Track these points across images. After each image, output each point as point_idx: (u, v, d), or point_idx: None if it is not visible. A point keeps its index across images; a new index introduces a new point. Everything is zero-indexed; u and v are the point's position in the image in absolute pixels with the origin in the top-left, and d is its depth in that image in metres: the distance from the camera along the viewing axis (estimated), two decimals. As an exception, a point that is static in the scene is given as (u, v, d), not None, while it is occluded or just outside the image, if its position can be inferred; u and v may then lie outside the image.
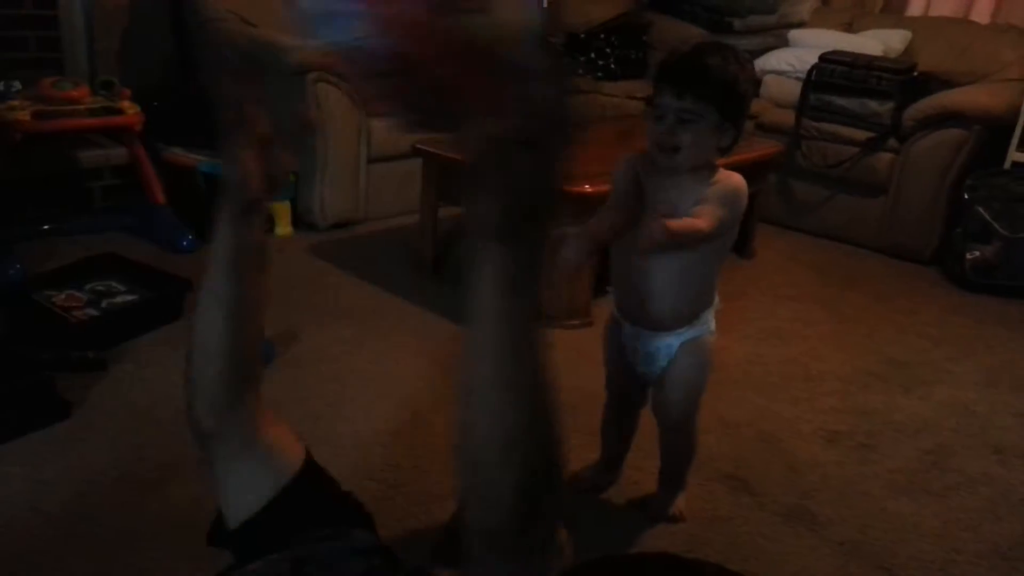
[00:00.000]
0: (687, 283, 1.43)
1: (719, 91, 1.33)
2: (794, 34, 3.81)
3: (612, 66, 4.18)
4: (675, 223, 1.32)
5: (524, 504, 0.71)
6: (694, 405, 1.53)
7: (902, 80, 3.19)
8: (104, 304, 2.21)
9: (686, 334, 1.46)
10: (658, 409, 1.55)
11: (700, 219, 1.35)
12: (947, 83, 3.33)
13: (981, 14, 3.88)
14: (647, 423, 1.78)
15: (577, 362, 2.15)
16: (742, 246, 3.13)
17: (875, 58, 3.33)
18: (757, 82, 1.35)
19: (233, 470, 1.02)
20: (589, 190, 2.27)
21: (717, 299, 1.50)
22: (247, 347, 1.03)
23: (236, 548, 1.02)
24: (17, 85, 2.58)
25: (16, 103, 2.47)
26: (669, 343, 1.46)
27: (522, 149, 0.58)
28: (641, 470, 1.71)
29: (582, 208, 2.26)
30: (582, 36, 4.21)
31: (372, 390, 1.97)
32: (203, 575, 1.32)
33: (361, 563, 0.96)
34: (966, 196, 3.01)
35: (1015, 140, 3.09)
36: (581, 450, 1.77)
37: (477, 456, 0.73)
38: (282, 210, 2.96)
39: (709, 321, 1.49)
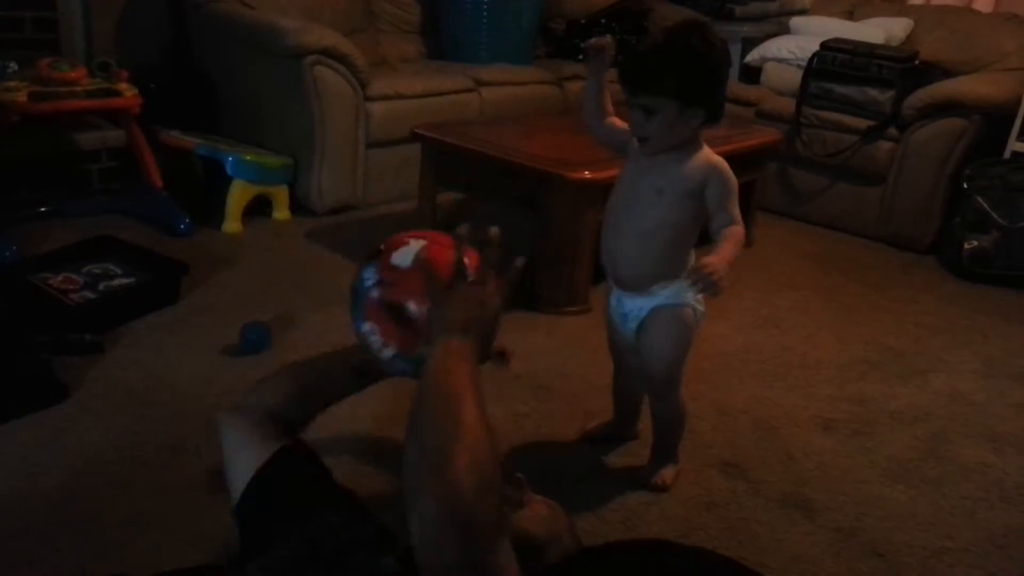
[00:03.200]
0: (651, 246, 1.48)
1: (671, 84, 1.35)
2: (795, 21, 3.80)
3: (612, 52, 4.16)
4: (724, 257, 1.38)
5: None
6: (671, 375, 1.57)
7: (903, 69, 3.18)
8: (101, 287, 2.20)
9: (656, 299, 1.51)
10: (641, 373, 1.60)
11: (735, 227, 1.43)
12: (948, 72, 3.33)
13: (983, 3, 3.87)
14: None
15: (575, 348, 2.16)
16: (741, 234, 3.13)
17: (876, 46, 3.32)
18: (726, 53, 1.42)
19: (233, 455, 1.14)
20: (588, 176, 2.27)
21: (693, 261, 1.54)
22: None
23: (240, 521, 1.08)
24: (14, 66, 2.57)
25: (13, 84, 2.46)
26: (640, 305, 1.52)
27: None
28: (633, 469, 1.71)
29: (585, 194, 2.27)
30: (582, 22, 4.20)
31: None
32: (200, 557, 1.34)
33: (361, 543, 0.96)
34: (965, 185, 3.00)
35: (1015, 130, 3.08)
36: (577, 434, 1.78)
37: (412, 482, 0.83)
38: (280, 195, 2.95)
39: (685, 293, 1.50)
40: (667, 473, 1.63)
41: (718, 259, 1.35)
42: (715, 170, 1.45)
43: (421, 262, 1.09)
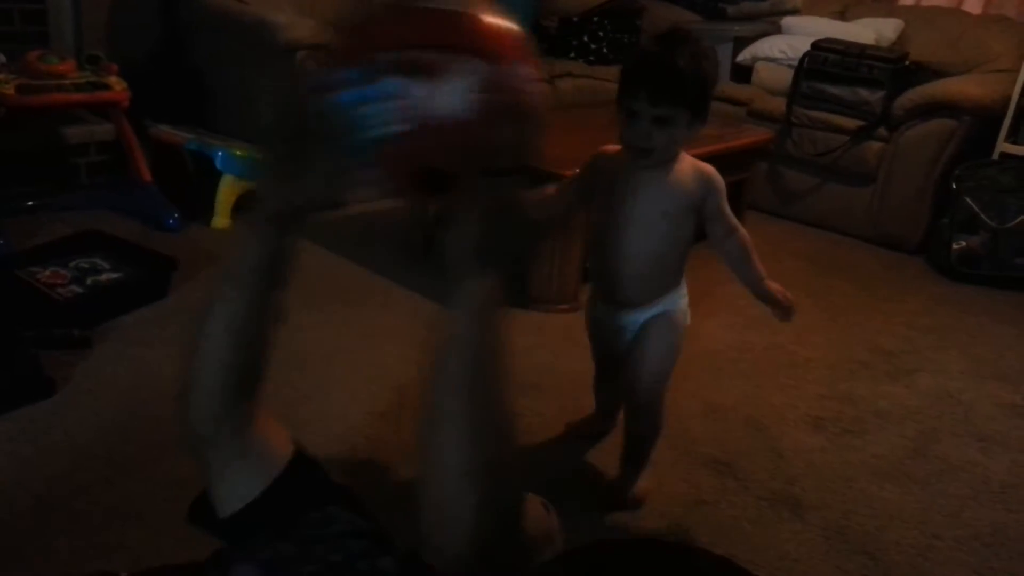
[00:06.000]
0: (656, 267, 1.50)
1: (691, 93, 1.34)
2: (787, 21, 3.80)
3: (604, 50, 4.16)
4: (772, 284, 1.55)
5: (482, 536, 0.76)
6: (661, 383, 1.55)
7: (893, 69, 3.19)
8: (89, 281, 2.19)
9: (653, 310, 1.52)
10: (627, 384, 1.57)
11: (743, 235, 1.50)
12: (938, 73, 3.34)
13: (973, 4, 3.89)
14: (620, 428, 1.78)
15: (565, 345, 2.16)
16: (731, 233, 3.14)
17: (867, 46, 3.33)
18: (718, 71, 1.46)
19: (224, 471, 1.01)
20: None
21: (684, 287, 1.58)
22: (255, 363, 1.01)
23: (226, 535, 1.02)
24: (2, 59, 2.55)
25: (1, 77, 2.43)
26: (636, 318, 1.53)
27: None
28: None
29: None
30: (575, 20, 4.19)
31: (361, 372, 1.97)
32: (188, 554, 1.33)
33: (360, 544, 0.96)
34: (954, 186, 3.02)
35: (1004, 131, 3.10)
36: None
37: (438, 487, 0.78)
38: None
39: (678, 301, 1.55)
40: (643, 486, 1.59)
41: (776, 285, 1.48)
42: (711, 180, 1.46)
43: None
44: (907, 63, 3.29)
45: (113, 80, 2.65)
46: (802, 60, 3.37)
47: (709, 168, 1.47)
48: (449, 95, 0.78)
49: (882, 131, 3.18)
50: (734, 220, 1.49)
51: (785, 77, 3.47)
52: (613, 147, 1.49)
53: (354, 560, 0.91)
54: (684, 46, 1.35)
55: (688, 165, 1.46)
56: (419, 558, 0.92)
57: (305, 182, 0.91)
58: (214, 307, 0.95)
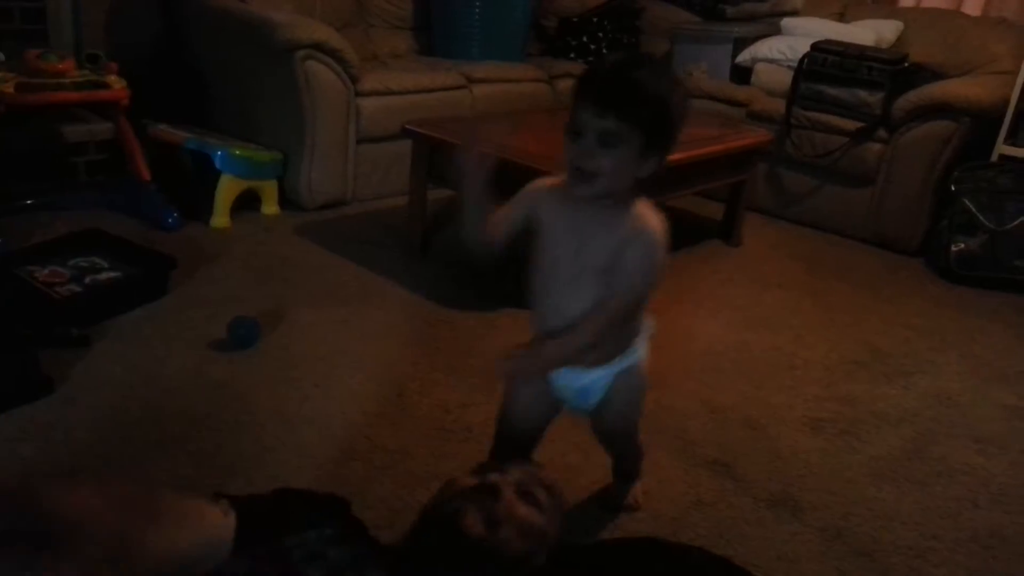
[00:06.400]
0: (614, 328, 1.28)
1: (647, 112, 1.14)
2: (787, 22, 3.81)
3: (604, 50, 4.16)
4: (556, 352, 1.24)
5: None
6: (636, 424, 1.47)
7: (893, 71, 3.19)
8: (87, 280, 2.19)
9: (620, 365, 1.34)
10: (599, 436, 1.48)
11: (616, 304, 1.22)
12: (938, 74, 3.34)
13: (972, 6, 3.89)
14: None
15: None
16: (730, 234, 3.14)
17: (867, 48, 3.33)
18: (687, 105, 1.21)
19: None
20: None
21: (650, 323, 1.37)
22: None
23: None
24: (1, 57, 2.54)
25: (0, 75, 2.43)
26: (602, 375, 1.34)
27: None
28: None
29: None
30: (575, 20, 4.20)
31: (359, 371, 1.97)
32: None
33: (347, 552, 0.96)
34: (953, 188, 3.02)
35: (1003, 133, 3.10)
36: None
37: None
38: (269, 190, 2.94)
39: (641, 347, 1.36)
40: (637, 490, 1.57)
41: (543, 355, 1.25)
42: (645, 234, 1.20)
43: None
44: (906, 65, 3.29)
45: (112, 79, 2.65)
46: (802, 61, 3.37)
47: (657, 222, 1.22)
48: None
49: (881, 133, 3.18)
50: (640, 298, 1.25)
51: (785, 78, 3.47)
52: (551, 180, 1.29)
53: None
54: (646, 64, 1.19)
55: (639, 213, 1.22)
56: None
57: None
58: None
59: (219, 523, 1.02)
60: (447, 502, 1.12)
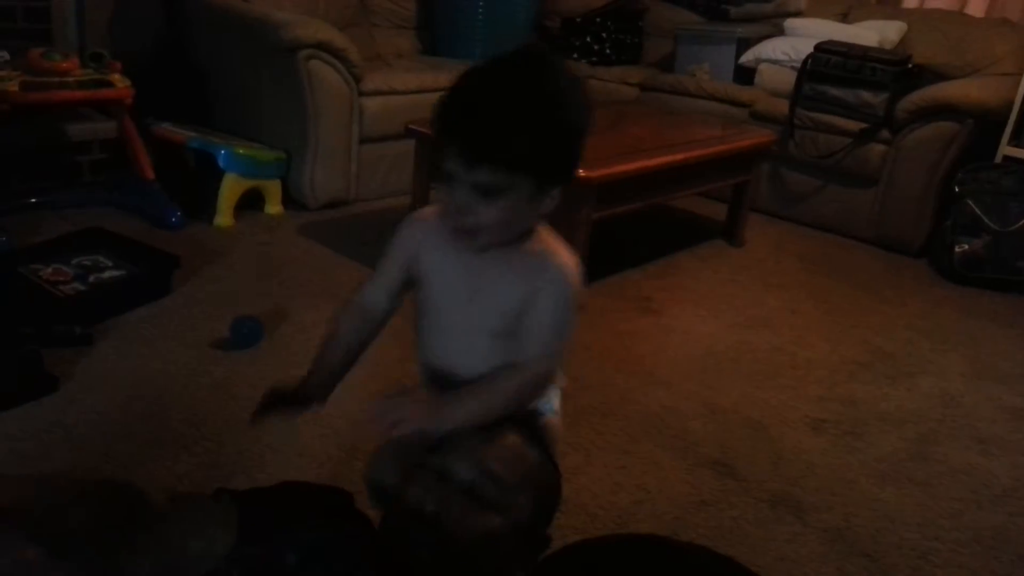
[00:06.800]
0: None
1: (528, 150, 0.90)
2: (790, 23, 3.80)
3: (607, 51, 4.16)
4: (463, 414, 1.00)
5: None
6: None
7: (896, 71, 3.19)
8: (91, 279, 2.19)
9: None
10: None
11: (535, 369, 1.03)
12: (941, 75, 3.34)
13: (977, 7, 3.88)
14: (620, 428, 1.79)
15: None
16: (732, 234, 3.13)
17: (870, 49, 3.32)
18: (588, 108, 0.94)
19: None
20: (582, 174, 2.27)
21: (561, 377, 1.16)
22: None
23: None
24: (5, 56, 2.54)
25: (4, 74, 2.44)
26: None
27: None
28: (624, 468, 1.71)
29: (577, 191, 2.27)
30: (578, 21, 4.19)
31: (361, 371, 1.96)
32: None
33: (354, 551, 0.97)
34: (956, 189, 3.02)
35: (1007, 134, 3.10)
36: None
37: None
38: (273, 189, 2.94)
39: (552, 400, 1.16)
40: None
41: (444, 415, 0.99)
42: (557, 276, 1.00)
43: None
44: (910, 65, 3.28)
45: (116, 78, 2.65)
46: (805, 62, 3.37)
47: (567, 259, 1.02)
48: None
49: (885, 133, 3.17)
50: (556, 355, 1.04)
51: (788, 79, 3.46)
52: (435, 209, 1.07)
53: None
54: (524, 70, 0.93)
55: (544, 250, 1.01)
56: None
57: None
58: None
59: (220, 521, 1.02)
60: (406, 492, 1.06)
